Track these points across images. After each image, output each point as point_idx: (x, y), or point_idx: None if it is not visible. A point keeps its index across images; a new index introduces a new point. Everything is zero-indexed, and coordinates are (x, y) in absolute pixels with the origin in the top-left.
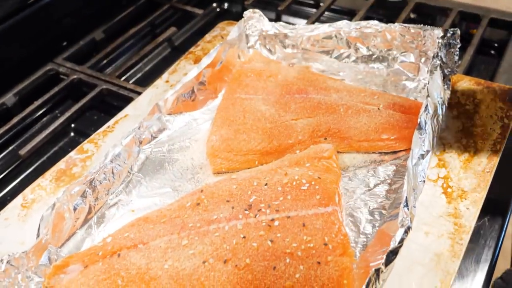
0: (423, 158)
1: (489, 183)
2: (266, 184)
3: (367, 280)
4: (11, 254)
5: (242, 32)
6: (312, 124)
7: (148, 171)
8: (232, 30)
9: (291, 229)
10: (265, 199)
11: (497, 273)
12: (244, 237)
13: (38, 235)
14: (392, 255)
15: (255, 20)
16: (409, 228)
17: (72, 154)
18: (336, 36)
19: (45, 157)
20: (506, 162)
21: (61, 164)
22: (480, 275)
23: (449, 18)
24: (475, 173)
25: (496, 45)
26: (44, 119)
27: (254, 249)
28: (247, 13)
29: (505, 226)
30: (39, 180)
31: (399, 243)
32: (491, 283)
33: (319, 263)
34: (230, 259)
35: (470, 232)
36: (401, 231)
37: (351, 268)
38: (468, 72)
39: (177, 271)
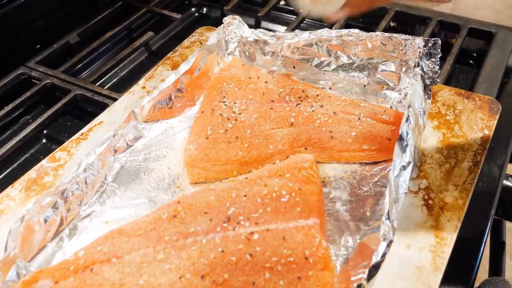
0: (404, 170)
1: (470, 195)
2: (245, 196)
3: None
4: None
5: (221, 38)
6: (292, 133)
7: (123, 181)
8: (211, 36)
9: (270, 242)
10: (244, 211)
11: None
12: (222, 251)
13: (5, 249)
14: (374, 269)
15: (235, 27)
16: (391, 241)
17: (44, 162)
18: (316, 44)
19: (15, 165)
20: (486, 174)
21: (31, 173)
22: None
23: (428, 27)
24: (456, 185)
25: (474, 55)
26: (15, 125)
27: (233, 263)
28: (226, 19)
29: (485, 238)
30: (8, 190)
31: (381, 257)
32: None
33: (299, 278)
34: (207, 274)
35: (452, 245)
36: (383, 245)
37: (333, 283)
38: (447, 82)
39: (152, 287)
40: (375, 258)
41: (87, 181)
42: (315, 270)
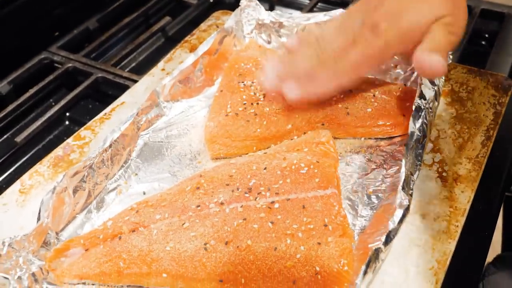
0: (419, 143)
1: (483, 168)
2: (265, 168)
3: (368, 259)
4: (12, 237)
5: (239, 20)
6: (309, 110)
7: (146, 157)
8: (228, 19)
9: (291, 211)
10: (264, 183)
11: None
12: (244, 219)
13: (38, 219)
14: (391, 235)
15: (252, 9)
16: (407, 209)
17: (69, 140)
18: None
19: (40, 145)
20: (499, 148)
21: (58, 151)
22: (475, 257)
23: None
24: (469, 158)
25: (487, 35)
26: (39, 108)
27: (255, 230)
28: (243, 2)
29: (497, 210)
30: (37, 166)
31: (398, 224)
32: (484, 268)
33: (319, 243)
34: (231, 241)
35: (465, 215)
36: (399, 212)
37: (351, 249)
38: (460, 61)
39: (178, 253)
40: (392, 225)
41: (113, 156)
42: (334, 236)
